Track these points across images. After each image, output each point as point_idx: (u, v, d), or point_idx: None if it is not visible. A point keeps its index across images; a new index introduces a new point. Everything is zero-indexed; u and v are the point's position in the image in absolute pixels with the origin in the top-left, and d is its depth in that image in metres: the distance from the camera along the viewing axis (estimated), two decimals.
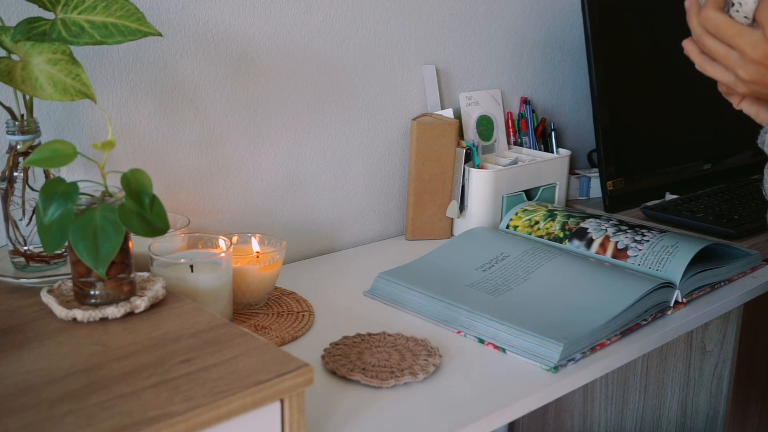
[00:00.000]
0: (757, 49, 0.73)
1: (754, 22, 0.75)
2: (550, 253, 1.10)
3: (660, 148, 1.52)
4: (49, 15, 0.81)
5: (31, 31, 0.78)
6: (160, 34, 0.83)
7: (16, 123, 0.85)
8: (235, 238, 1.00)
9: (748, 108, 0.81)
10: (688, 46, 0.79)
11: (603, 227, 1.18)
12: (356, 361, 0.87)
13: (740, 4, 0.75)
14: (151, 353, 0.70)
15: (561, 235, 1.20)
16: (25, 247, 0.88)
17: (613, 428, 1.37)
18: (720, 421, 1.22)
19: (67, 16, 0.80)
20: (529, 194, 1.34)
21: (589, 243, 1.16)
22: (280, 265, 1.00)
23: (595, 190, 1.49)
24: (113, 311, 0.76)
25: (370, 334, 0.93)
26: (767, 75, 0.74)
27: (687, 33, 1.55)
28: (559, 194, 1.38)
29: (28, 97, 0.85)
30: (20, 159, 0.86)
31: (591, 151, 1.58)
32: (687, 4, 0.79)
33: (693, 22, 0.78)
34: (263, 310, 1.00)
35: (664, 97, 1.52)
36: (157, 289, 0.80)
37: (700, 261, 1.09)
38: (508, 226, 1.26)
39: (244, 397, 0.64)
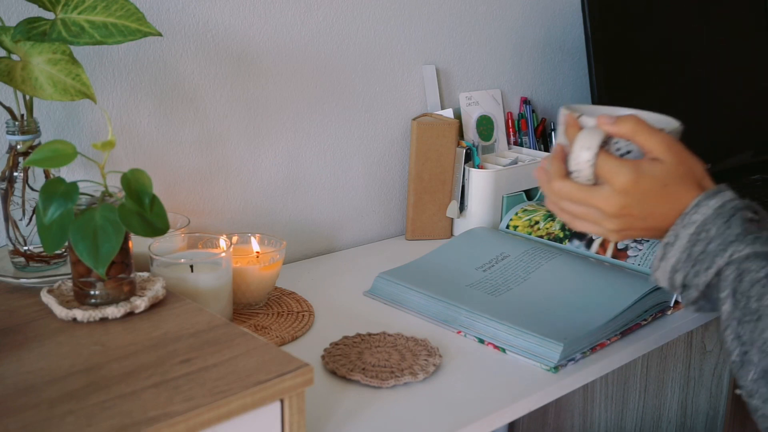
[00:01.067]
0: (611, 203, 0.73)
1: (598, 180, 0.75)
2: (550, 253, 1.10)
3: None
4: (49, 15, 0.81)
5: (31, 31, 0.78)
6: (160, 34, 0.83)
7: (16, 123, 0.85)
8: (235, 238, 1.00)
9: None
10: (552, 208, 0.79)
11: None
12: (356, 361, 0.87)
13: (578, 171, 0.75)
14: (151, 353, 0.70)
15: (561, 235, 1.20)
16: (25, 247, 0.88)
17: (613, 428, 1.37)
18: (720, 421, 1.22)
19: (67, 16, 0.80)
20: (529, 194, 1.34)
21: (589, 243, 1.16)
22: (280, 265, 1.00)
23: None
24: (113, 311, 0.76)
25: (370, 334, 0.93)
26: (631, 222, 0.74)
27: (687, 32, 1.55)
28: None
29: (28, 97, 0.85)
30: (20, 159, 0.86)
31: None
32: (534, 174, 0.79)
33: (545, 190, 0.79)
34: (263, 310, 1.00)
35: (664, 97, 1.52)
36: (157, 289, 0.80)
37: None
38: (508, 226, 1.26)
39: (244, 397, 0.64)
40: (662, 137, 0.72)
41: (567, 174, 0.76)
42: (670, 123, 0.79)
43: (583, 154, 0.73)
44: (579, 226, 0.77)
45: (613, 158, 0.73)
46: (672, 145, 0.72)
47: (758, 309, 0.66)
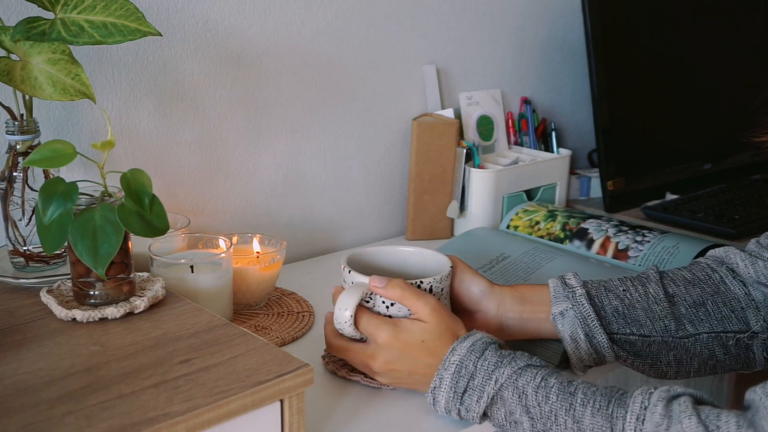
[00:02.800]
0: (377, 358, 0.79)
1: (368, 337, 0.81)
2: (550, 254, 1.10)
3: (660, 148, 1.52)
4: (48, 15, 0.81)
5: (31, 30, 0.78)
6: (159, 34, 0.83)
7: (16, 123, 0.85)
8: (235, 239, 1.00)
9: None
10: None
11: (604, 228, 1.18)
12: None
13: (341, 329, 0.81)
14: (151, 353, 0.70)
15: (561, 235, 1.20)
16: (25, 247, 0.88)
17: None
18: None
19: (67, 16, 0.80)
20: (530, 194, 1.34)
21: (590, 243, 1.16)
22: (281, 266, 0.99)
23: (596, 190, 1.49)
24: (113, 311, 0.76)
25: None
26: (398, 376, 0.79)
27: (687, 32, 1.55)
28: (559, 194, 1.38)
29: (27, 97, 0.85)
30: (20, 159, 0.86)
31: (591, 151, 1.58)
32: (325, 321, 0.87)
33: (329, 344, 0.86)
34: (263, 311, 0.99)
35: (665, 96, 1.52)
36: (156, 289, 0.80)
37: None
38: (508, 227, 1.26)
39: (244, 398, 0.64)
40: (427, 301, 0.79)
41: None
42: (442, 266, 0.85)
43: (343, 314, 0.79)
44: (361, 371, 0.84)
45: (375, 318, 0.80)
46: (435, 308, 0.79)
47: (551, 409, 0.71)
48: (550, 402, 0.71)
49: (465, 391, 0.74)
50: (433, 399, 0.76)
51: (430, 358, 0.77)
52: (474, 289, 0.86)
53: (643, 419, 0.66)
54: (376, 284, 0.80)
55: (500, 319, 0.86)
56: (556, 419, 0.71)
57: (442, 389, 0.75)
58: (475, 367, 0.74)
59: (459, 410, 0.75)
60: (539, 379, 0.73)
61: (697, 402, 0.67)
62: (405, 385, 0.80)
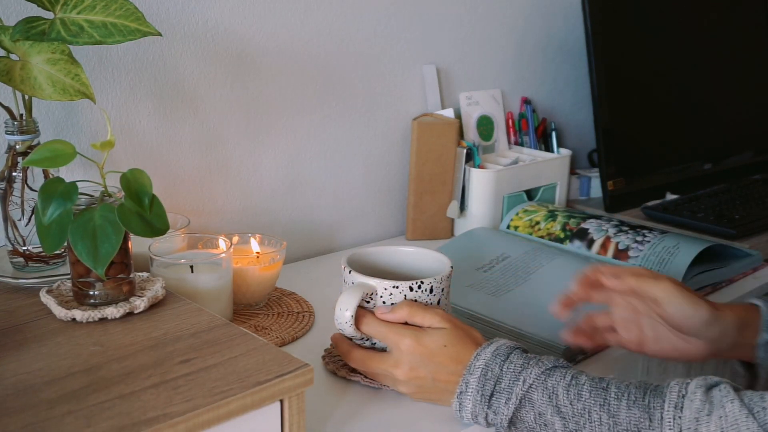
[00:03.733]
0: (400, 365, 0.78)
1: (388, 346, 0.80)
2: (550, 254, 1.10)
3: (660, 148, 1.52)
4: (48, 14, 0.81)
5: (30, 30, 0.78)
6: (159, 34, 0.83)
7: (15, 123, 0.85)
8: (235, 239, 1.00)
9: None
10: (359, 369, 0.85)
11: (604, 228, 1.18)
12: None
13: (342, 329, 0.81)
14: (151, 353, 0.70)
15: (562, 235, 1.20)
16: (24, 248, 0.88)
17: None
18: None
19: (66, 16, 0.80)
20: (530, 194, 1.34)
21: (590, 243, 1.16)
22: (281, 266, 0.99)
23: (596, 190, 1.49)
24: (112, 311, 0.76)
25: None
26: (422, 383, 0.78)
27: (688, 33, 1.55)
28: (559, 194, 1.38)
29: (27, 97, 0.85)
30: (19, 159, 0.86)
31: (591, 151, 1.58)
32: (333, 339, 0.86)
33: (348, 357, 0.84)
34: (263, 311, 0.99)
35: (665, 96, 1.52)
36: (156, 289, 0.80)
37: (701, 261, 1.08)
38: (508, 227, 1.26)
39: (243, 398, 0.64)
40: (435, 312, 0.79)
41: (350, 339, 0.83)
42: (443, 266, 0.85)
43: (343, 314, 0.79)
44: (383, 382, 0.83)
45: (396, 325, 0.79)
46: (445, 316, 0.79)
47: (584, 406, 0.70)
48: (583, 399, 0.70)
49: (492, 394, 0.73)
50: (459, 404, 0.75)
51: (454, 365, 0.76)
52: (695, 320, 0.80)
53: (682, 407, 0.66)
54: (383, 311, 0.80)
55: (715, 344, 0.81)
56: (590, 416, 0.70)
57: (469, 393, 0.74)
58: (501, 370, 0.74)
59: (486, 414, 0.74)
60: (569, 377, 0.72)
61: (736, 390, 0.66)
62: (428, 394, 0.79)
